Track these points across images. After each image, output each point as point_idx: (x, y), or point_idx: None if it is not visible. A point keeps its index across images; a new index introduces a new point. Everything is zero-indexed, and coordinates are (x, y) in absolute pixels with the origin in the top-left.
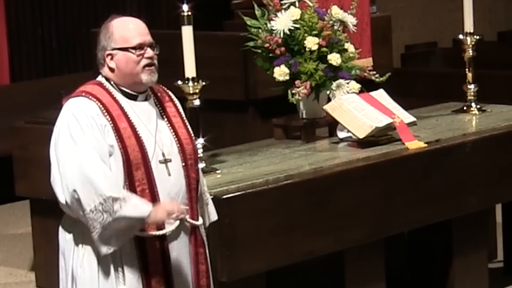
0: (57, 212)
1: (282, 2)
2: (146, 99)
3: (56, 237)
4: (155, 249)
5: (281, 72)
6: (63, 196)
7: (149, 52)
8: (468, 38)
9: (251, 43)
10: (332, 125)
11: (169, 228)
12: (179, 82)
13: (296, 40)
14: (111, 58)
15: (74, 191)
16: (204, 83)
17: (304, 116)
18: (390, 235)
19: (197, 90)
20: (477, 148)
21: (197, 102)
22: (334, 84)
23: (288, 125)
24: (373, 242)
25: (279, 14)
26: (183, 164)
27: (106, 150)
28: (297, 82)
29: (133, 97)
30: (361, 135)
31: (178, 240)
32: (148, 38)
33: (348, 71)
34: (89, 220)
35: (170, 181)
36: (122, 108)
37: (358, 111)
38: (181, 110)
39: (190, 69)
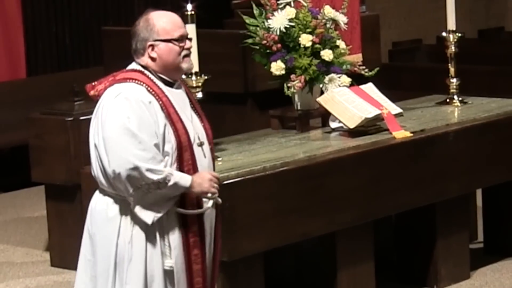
0: (70, 196)
1: (278, 2)
2: (178, 87)
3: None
4: (195, 225)
5: (277, 67)
6: (108, 177)
7: (188, 43)
8: (451, 36)
9: (249, 40)
10: (325, 116)
11: (206, 206)
12: (183, 76)
13: (292, 37)
14: (153, 49)
15: (119, 174)
16: (206, 77)
17: (299, 107)
18: (379, 218)
19: (200, 84)
20: (459, 137)
21: (199, 95)
22: (327, 78)
23: (284, 116)
24: (362, 224)
25: (275, 13)
26: (210, 147)
27: (157, 131)
28: (293, 76)
29: (170, 84)
30: (352, 125)
31: (208, 217)
32: (185, 30)
33: (340, 66)
34: (135, 195)
35: (206, 162)
36: (166, 95)
37: (349, 103)
38: (197, 100)
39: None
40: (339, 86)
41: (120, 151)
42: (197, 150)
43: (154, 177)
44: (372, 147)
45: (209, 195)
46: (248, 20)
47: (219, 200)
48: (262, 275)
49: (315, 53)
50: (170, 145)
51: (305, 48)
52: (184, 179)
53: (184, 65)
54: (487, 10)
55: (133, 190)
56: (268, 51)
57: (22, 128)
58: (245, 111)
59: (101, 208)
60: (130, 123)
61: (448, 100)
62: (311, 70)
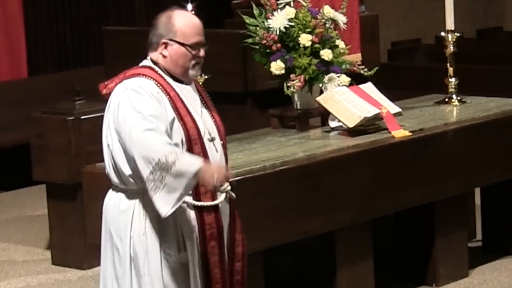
0: (71, 195)
1: (278, 2)
2: (188, 84)
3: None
4: (211, 216)
5: (277, 67)
6: (127, 168)
7: (202, 52)
8: (449, 35)
9: (249, 40)
10: (324, 115)
11: (220, 198)
12: None
13: (291, 37)
14: (165, 47)
15: (134, 160)
16: (206, 77)
17: (298, 107)
18: (378, 217)
19: (200, 83)
20: (458, 136)
21: None
22: (326, 77)
23: (283, 115)
24: (362, 223)
25: (275, 13)
26: (221, 142)
27: (166, 119)
28: (292, 75)
29: (180, 81)
30: (351, 124)
31: (223, 210)
32: (203, 38)
33: (339, 65)
34: (150, 182)
35: (218, 157)
36: (174, 90)
37: (348, 102)
38: (208, 95)
39: None
40: (339, 85)
41: (134, 131)
42: (208, 145)
43: (165, 149)
44: (371, 146)
45: (221, 188)
46: (248, 20)
47: (233, 194)
48: (262, 273)
49: (315, 53)
50: (179, 137)
51: (305, 47)
52: (192, 162)
53: (191, 72)
54: (485, 10)
55: (147, 176)
56: (268, 50)
57: (23, 127)
58: (245, 110)
59: (114, 203)
60: (141, 110)
61: (446, 100)
62: (311, 70)
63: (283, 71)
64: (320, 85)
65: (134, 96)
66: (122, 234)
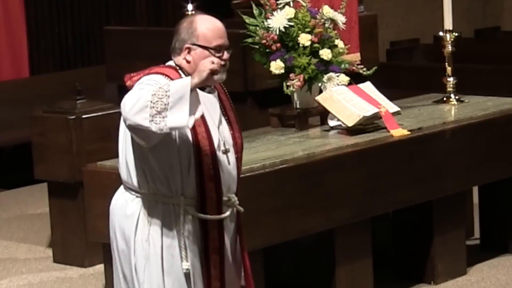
0: (72, 194)
1: (278, 2)
2: (210, 92)
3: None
4: (215, 230)
5: (277, 66)
6: (138, 168)
7: (226, 55)
8: (448, 35)
9: (249, 40)
10: (324, 114)
11: (226, 212)
12: None
13: (291, 36)
14: (189, 52)
15: (130, 109)
16: None
17: (298, 106)
18: (377, 215)
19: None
20: (456, 135)
21: None
22: (325, 77)
23: (283, 114)
24: (361, 221)
25: (275, 13)
26: (236, 156)
27: None
28: (292, 75)
29: (201, 88)
30: (350, 123)
31: (228, 224)
32: (226, 41)
33: (338, 65)
34: (155, 124)
35: (230, 169)
36: None
37: (347, 101)
38: (232, 105)
39: None
40: (338, 85)
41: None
42: (221, 156)
43: (151, 89)
44: (370, 145)
45: (229, 202)
46: (248, 19)
47: (241, 208)
48: (262, 271)
49: (314, 52)
50: (188, 147)
51: (304, 47)
52: (181, 80)
53: (216, 76)
54: (483, 10)
55: (149, 121)
56: (267, 50)
57: (25, 126)
58: (245, 109)
59: (120, 205)
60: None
61: (445, 99)
62: (310, 69)
63: (282, 71)
64: (320, 84)
65: (144, 81)
66: (127, 238)
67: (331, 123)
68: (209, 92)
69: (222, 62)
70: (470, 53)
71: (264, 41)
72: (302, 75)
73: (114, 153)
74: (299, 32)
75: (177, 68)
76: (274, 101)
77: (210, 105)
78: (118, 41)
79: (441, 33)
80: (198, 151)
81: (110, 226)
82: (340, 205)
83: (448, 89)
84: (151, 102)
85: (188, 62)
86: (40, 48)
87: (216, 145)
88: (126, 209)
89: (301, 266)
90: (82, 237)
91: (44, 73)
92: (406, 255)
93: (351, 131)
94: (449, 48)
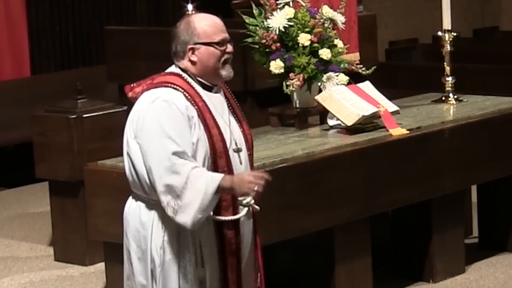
0: (73, 192)
1: (277, 2)
2: (217, 92)
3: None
4: (231, 232)
5: (276, 66)
6: (152, 182)
7: (230, 47)
8: (446, 35)
9: (249, 39)
10: (323, 113)
11: (242, 213)
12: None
13: (290, 36)
14: (193, 52)
15: (163, 179)
16: None
17: (297, 105)
18: (375, 213)
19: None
20: (454, 134)
21: None
22: (325, 76)
23: (283, 113)
24: (360, 219)
25: (274, 13)
26: (248, 153)
27: (192, 136)
28: (291, 74)
29: (209, 89)
30: (349, 122)
31: (245, 225)
32: (227, 34)
33: (337, 64)
34: (168, 208)
35: (242, 169)
36: (203, 99)
37: (347, 101)
38: (237, 103)
39: None
40: (337, 84)
41: (159, 153)
42: (233, 156)
43: (187, 167)
44: (369, 144)
45: (244, 202)
46: (247, 19)
47: (257, 207)
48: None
49: (314, 52)
50: (204, 150)
51: (304, 47)
52: (214, 177)
53: (223, 72)
54: (482, 10)
55: (165, 201)
56: (267, 50)
57: (26, 126)
58: (245, 109)
59: (134, 213)
60: (168, 130)
61: (443, 98)
62: (310, 69)
63: (282, 70)
64: (319, 84)
65: (161, 112)
66: (143, 245)
67: (331, 122)
68: (215, 92)
69: (227, 56)
70: (469, 53)
71: (264, 41)
72: (301, 75)
73: (114, 152)
74: (299, 32)
75: (180, 74)
76: (274, 100)
77: (218, 105)
78: (118, 41)
79: (439, 33)
80: (213, 155)
81: (124, 232)
82: (340, 204)
83: (447, 89)
84: (175, 191)
85: (193, 63)
86: (41, 48)
87: (228, 145)
88: (140, 216)
89: (301, 265)
90: (83, 235)
91: (45, 73)
92: (405, 254)
93: (350, 130)
94: (448, 48)
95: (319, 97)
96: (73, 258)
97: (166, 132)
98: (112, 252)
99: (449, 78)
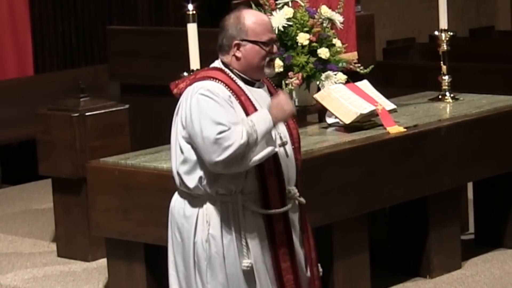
0: (76, 189)
1: (277, 2)
2: (259, 86)
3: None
4: (280, 223)
5: (276, 65)
6: (211, 168)
7: (275, 48)
8: (443, 34)
9: None
10: (322, 112)
11: (289, 205)
12: (185, 74)
13: (289, 36)
14: (238, 48)
15: (217, 161)
16: None
17: (296, 104)
18: (373, 210)
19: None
20: (451, 132)
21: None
22: (323, 75)
23: None
24: (358, 216)
25: (274, 12)
26: (293, 147)
27: (238, 120)
28: (290, 73)
29: (251, 84)
30: (347, 120)
31: (292, 216)
32: (274, 34)
33: (336, 63)
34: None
35: (288, 161)
36: (246, 94)
37: (345, 99)
38: None
39: (194, 62)
40: (335, 83)
41: (211, 142)
42: (279, 149)
43: (242, 140)
44: (367, 142)
45: (289, 194)
46: None
47: (302, 200)
48: None
49: (312, 51)
50: None
51: (303, 46)
52: (264, 121)
53: (267, 70)
54: (478, 9)
55: (246, 162)
56: None
57: (29, 124)
58: None
59: (179, 207)
60: (214, 116)
61: (440, 97)
62: (308, 68)
63: (281, 69)
64: (318, 82)
65: (206, 101)
66: (186, 239)
67: (329, 120)
68: (258, 87)
69: (272, 56)
70: (465, 52)
71: None
72: (300, 74)
73: (116, 150)
74: (298, 31)
75: (223, 69)
76: None
77: (262, 100)
78: (120, 40)
79: (436, 33)
80: None
81: (169, 227)
82: (338, 201)
83: (444, 87)
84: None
85: (238, 58)
86: (44, 47)
87: (273, 139)
88: (184, 210)
89: None
90: (85, 232)
91: (48, 72)
92: (402, 250)
93: (348, 128)
94: (444, 47)
95: (317, 96)
96: (75, 254)
97: (213, 120)
98: (114, 248)
99: (446, 77)
